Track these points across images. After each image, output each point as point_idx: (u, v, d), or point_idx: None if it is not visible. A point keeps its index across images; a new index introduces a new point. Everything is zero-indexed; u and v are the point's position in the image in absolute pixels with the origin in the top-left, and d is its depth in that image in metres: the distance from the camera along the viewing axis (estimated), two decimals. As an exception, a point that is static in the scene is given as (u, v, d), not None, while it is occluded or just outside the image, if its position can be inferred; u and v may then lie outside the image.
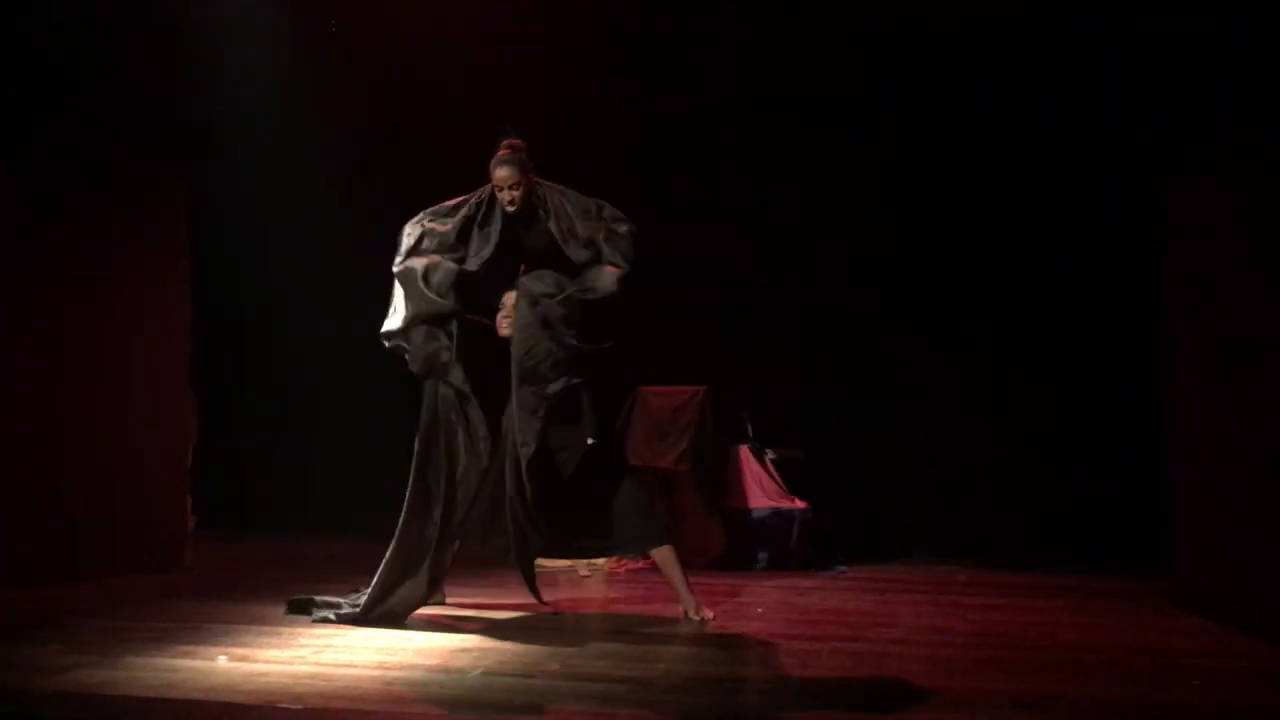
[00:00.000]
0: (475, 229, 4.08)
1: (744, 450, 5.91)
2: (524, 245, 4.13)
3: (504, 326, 4.00)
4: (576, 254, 4.01)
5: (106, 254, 5.13)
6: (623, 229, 4.04)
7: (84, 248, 5.04)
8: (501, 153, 4.04)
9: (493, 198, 4.10)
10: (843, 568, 5.66)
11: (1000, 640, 3.84)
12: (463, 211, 4.11)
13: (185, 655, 3.39)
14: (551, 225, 4.04)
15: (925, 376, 6.20)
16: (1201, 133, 4.36)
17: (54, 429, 4.90)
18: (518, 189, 4.01)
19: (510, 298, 4.00)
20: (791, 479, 5.94)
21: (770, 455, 6.02)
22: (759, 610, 4.46)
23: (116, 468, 5.10)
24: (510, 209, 4.03)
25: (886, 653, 3.58)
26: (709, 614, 4.17)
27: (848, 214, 6.34)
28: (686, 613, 4.17)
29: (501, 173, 4.02)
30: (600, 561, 5.51)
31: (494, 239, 4.05)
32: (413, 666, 3.30)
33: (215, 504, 6.52)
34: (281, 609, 4.10)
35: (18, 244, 4.81)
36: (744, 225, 6.52)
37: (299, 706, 2.81)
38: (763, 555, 5.68)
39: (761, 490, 5.81)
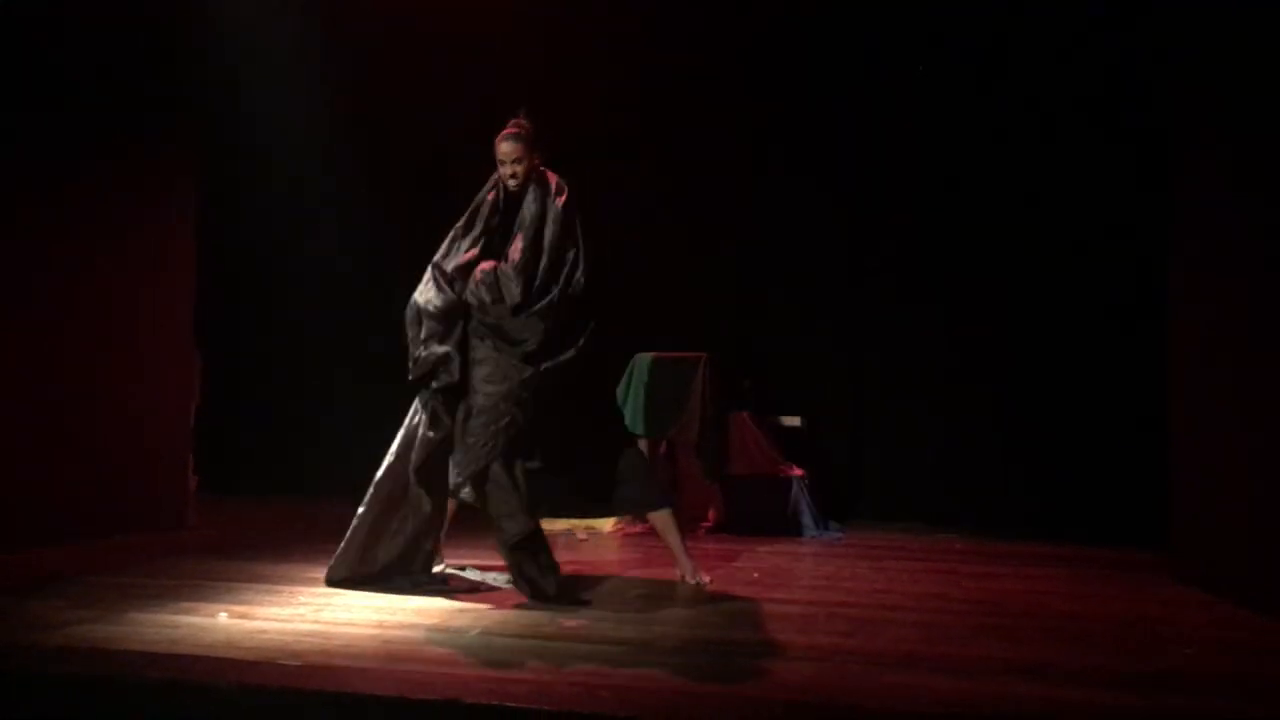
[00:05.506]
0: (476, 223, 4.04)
1: (743, 417, 5.92)
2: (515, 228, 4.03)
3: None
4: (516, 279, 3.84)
5: (111, 215, 5.12)
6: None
7: (88, 208, 5.02)
8: (508, 130, 3.99)
9: (494, 193, 4.05)
10: (840, 534, 5.69)
11: (996, 608, 3.86)
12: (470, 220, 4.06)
13: (186, 612, 3.42)
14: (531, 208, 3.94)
15: (926, 346, 6.18)
16: (1209, 109, 4.33)
17: (58, 390, 4.90)
18: (520, 164, 3.95)
19: (480, 271, 3.91)
20: (790, 446, 5.96)
21: (770, 422, 6.03)
22: (755, 575, 4.48)
23: (121, 428, 5.12)
24: (512, 183, 3.98)
25: (882, 618, 3.61)
26: (706, 578, 4.19)
27: (851, 181, 6.31)
28: (684, 576, 4.20)
29: (505, 147, 3.96)
30: (600, 524, 5.53)
31: (483, 225, 4.01)
32: (411, 625, 3.32)
33: (218, 464, 6.56)
34: (281, 567, 4.11)
35: (19, 208, 4.79)
36: (747, 190, 6.48)
37: (297, 663, 2.83)
38: (762, 521, 5.71)
39: (760, 457, 5.83)
